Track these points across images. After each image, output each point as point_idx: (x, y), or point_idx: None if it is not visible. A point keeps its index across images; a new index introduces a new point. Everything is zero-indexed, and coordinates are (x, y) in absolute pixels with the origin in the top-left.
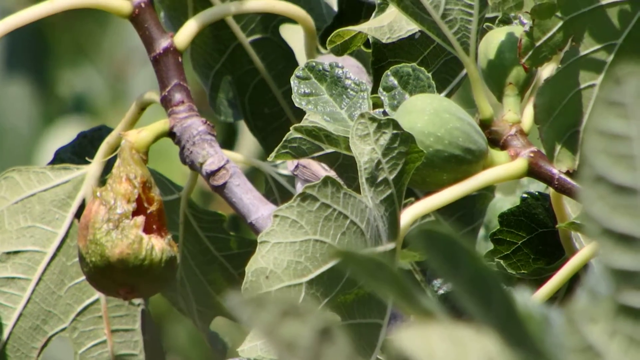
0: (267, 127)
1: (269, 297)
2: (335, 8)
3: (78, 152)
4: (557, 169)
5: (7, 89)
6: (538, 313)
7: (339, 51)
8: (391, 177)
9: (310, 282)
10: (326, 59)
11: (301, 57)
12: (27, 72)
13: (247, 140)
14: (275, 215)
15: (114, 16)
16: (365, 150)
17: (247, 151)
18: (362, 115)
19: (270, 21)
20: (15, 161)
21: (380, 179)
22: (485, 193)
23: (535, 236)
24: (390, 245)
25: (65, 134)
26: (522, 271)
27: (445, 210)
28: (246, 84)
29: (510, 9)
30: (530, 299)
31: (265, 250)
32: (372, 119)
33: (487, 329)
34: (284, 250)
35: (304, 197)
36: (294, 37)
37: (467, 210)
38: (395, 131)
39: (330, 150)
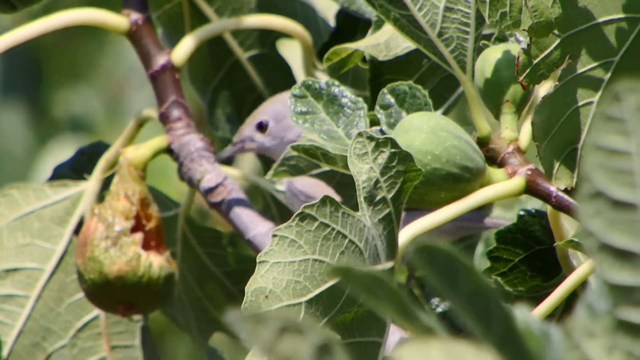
0: None
1: (269, 315)
2: (332, 24)
3: (76, 168)
4: (555, 187)
5: (2, 113)
6: (538, 329)
7: (335, 69)
8: (389, 196)
9: (310, 302)
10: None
11: (299, 72)
12: (23, 95)
13: (247, 156)
14: (274, 235)
15: (110, 36)
16: (364, 169)
17: (246, 168)
18: (360, 134)
19: (268, 37)
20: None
21: (378, 197)
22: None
23: (532, 253)
24: (388, 264)
25: (61, 155)
26: (519, 288)
27: None
28: (244, 100)
29: (508, 27)
30: (530, 315)
31: (264, 270)
32: (370, 138)
33: (486, 346)
34: (283, 269)
35: (302, 216)
36: (292, 52)
37: None
38: (393, 150)
39: (327, 168)
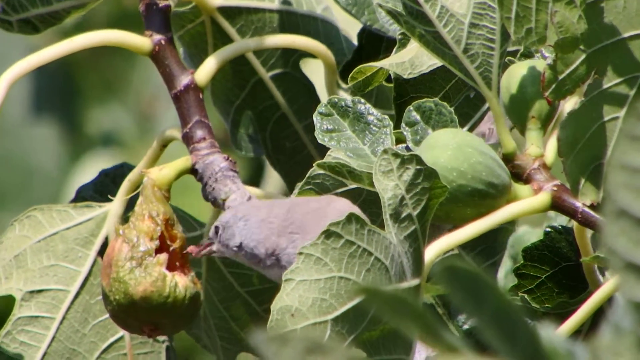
0: (289, 161)
1: (295, 334)
2: (355, 42)
3: (100, 190)
4: (581, 202)
5: (35, 129)
6: (563, 348)
7: (360, 87)
8: (415, 213)
9: (336, 320)
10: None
11: (322, 91)
12: (55, 111)
13: (274, 175)
14: (300, 253)
15: None
16: (389, 186)
17: (273, 187)
18: (385, 151)
19: (291, 56)
20: (43, 200)
21: (404, 214)
22: (507, 227)
23: (559, 270)
24: (414, 281)
25: (93, 171)
26: (546, 305)
27: (467, 244)
28: (267, 119)
29: (533, 43)
30: (555, 334)
31: (290, 287)
32: (396, 155)
33: None
34: (309, 287)
35: (328, 234)
36: (315, 71)
37: (489, 243)
38: (418, 167)
39: (353, 186)
